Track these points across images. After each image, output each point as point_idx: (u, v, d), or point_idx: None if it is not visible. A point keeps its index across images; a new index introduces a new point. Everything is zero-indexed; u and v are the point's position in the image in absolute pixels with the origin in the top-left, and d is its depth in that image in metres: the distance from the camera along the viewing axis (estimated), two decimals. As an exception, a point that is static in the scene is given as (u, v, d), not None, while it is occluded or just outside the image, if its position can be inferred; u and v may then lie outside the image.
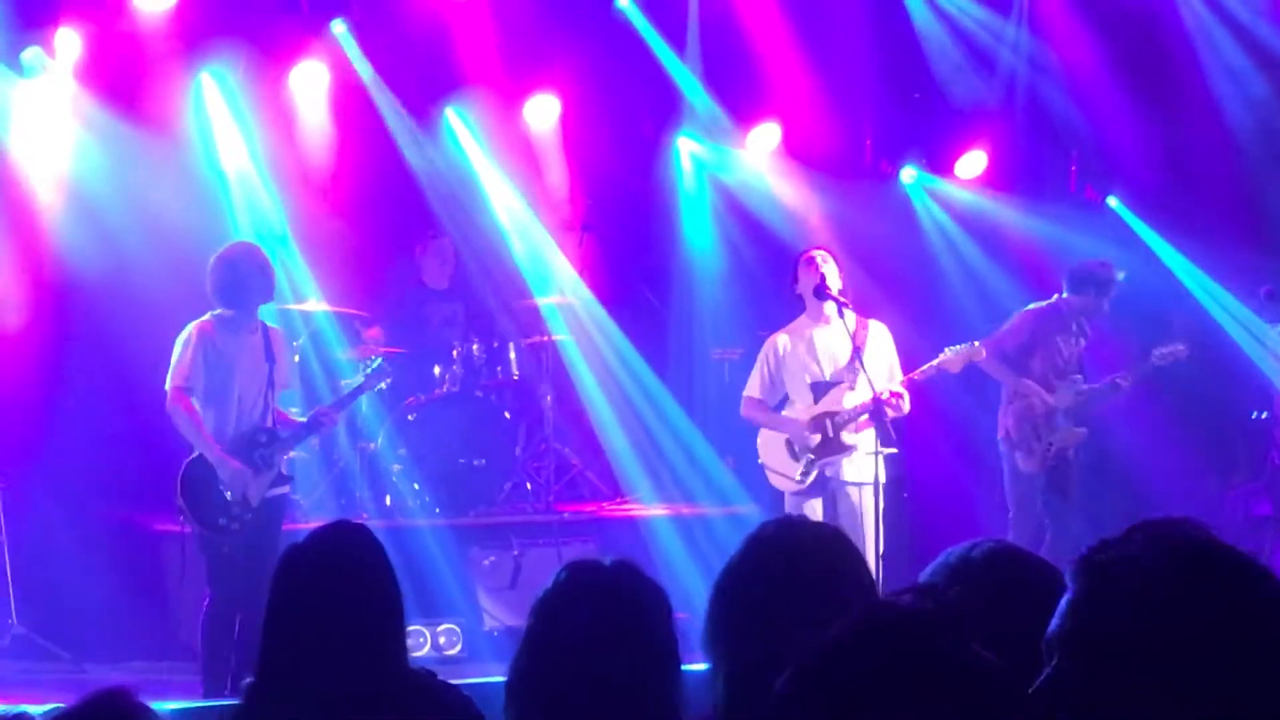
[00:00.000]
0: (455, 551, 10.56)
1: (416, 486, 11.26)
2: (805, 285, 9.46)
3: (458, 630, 10.01)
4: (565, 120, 13.12)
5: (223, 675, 8.32)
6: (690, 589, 9.73)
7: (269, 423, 8.79)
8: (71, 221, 10.95)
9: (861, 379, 9.31)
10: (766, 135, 13.29)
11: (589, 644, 3.27)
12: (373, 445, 11.37)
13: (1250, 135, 12.77)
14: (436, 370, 11.66)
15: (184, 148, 11.56)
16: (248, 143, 11.84)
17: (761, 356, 9.70)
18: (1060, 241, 12.25)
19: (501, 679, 3.39)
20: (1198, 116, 12.98)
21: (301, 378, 10.66)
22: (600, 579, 3.38)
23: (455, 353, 11.66)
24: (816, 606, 2.79)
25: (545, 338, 12.11)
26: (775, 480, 9.69)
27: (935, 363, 9.64)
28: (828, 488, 9.48)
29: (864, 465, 9.35)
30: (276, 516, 8.79)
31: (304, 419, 9.12)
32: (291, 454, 9.16)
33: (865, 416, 9.34)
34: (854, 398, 9.41)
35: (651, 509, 11.71)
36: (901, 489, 11.28)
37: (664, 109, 13.34)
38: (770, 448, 9.67)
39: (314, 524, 4.16)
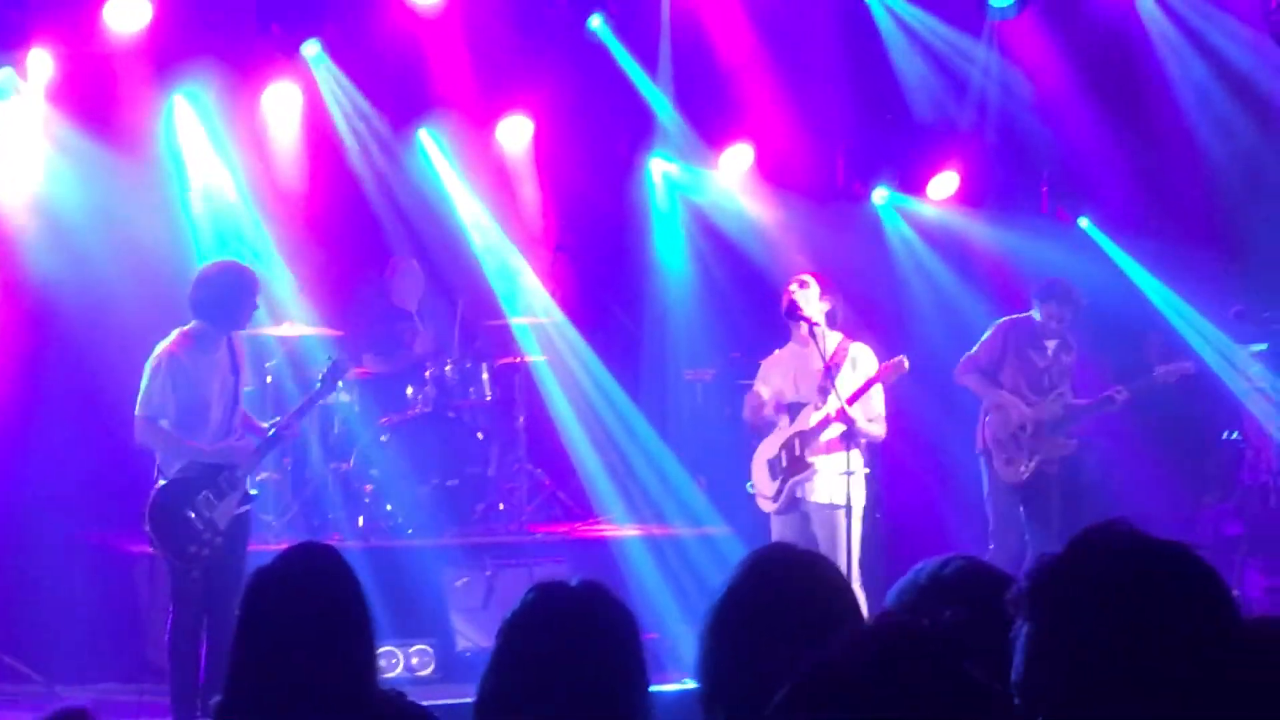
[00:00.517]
0: (428, 572, 10.54)
1: (389, 507, 11.23)
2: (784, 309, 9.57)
3: (430, 651, 10.00)
4: (538, 141, 13.14)
5: (191, 694, 8.29)
6: (662, 609, 9.73)
7: (238, 435, 8.74)
8: (43, 243, 10.90)
9: (832, 399, 9.35)
10: (739, 156, 13.31)
11: (555, 665, 3.28)
12: (345, 466, 11.35)
13: (1220, 156, 12.84)
14: (409, 391, 11.66)
15: (156, 169, 11.54)
16: (220, 164, 11.82)
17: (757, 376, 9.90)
18: (1032, 262, 12.27)
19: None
20: (1168, 138, 13.05)
21: (274, 401, 10.64)
22: (566, 600, 3.39)
23: (428, 373, 11.66)
24: (809, 631, 2.80)
25: (518, 358, 12.12)
26: (759, 501, 9.80)
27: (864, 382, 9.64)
28: (799, 508, 9.54)
29: (835, 486, 9.39)
30: (243, 535, 8.73)
31: (268, 427, 9.02)
32: (262, 475, 9.10)
33: (831, 436, 9.40)
34: (819, 417, 9.49)
35: (624, 529, 11.70)
36: (875, 510, 11.29)
37: (637, 130, 13.35)
38: (756, 469, 9.80)
39: (285, 545, 4.16)
